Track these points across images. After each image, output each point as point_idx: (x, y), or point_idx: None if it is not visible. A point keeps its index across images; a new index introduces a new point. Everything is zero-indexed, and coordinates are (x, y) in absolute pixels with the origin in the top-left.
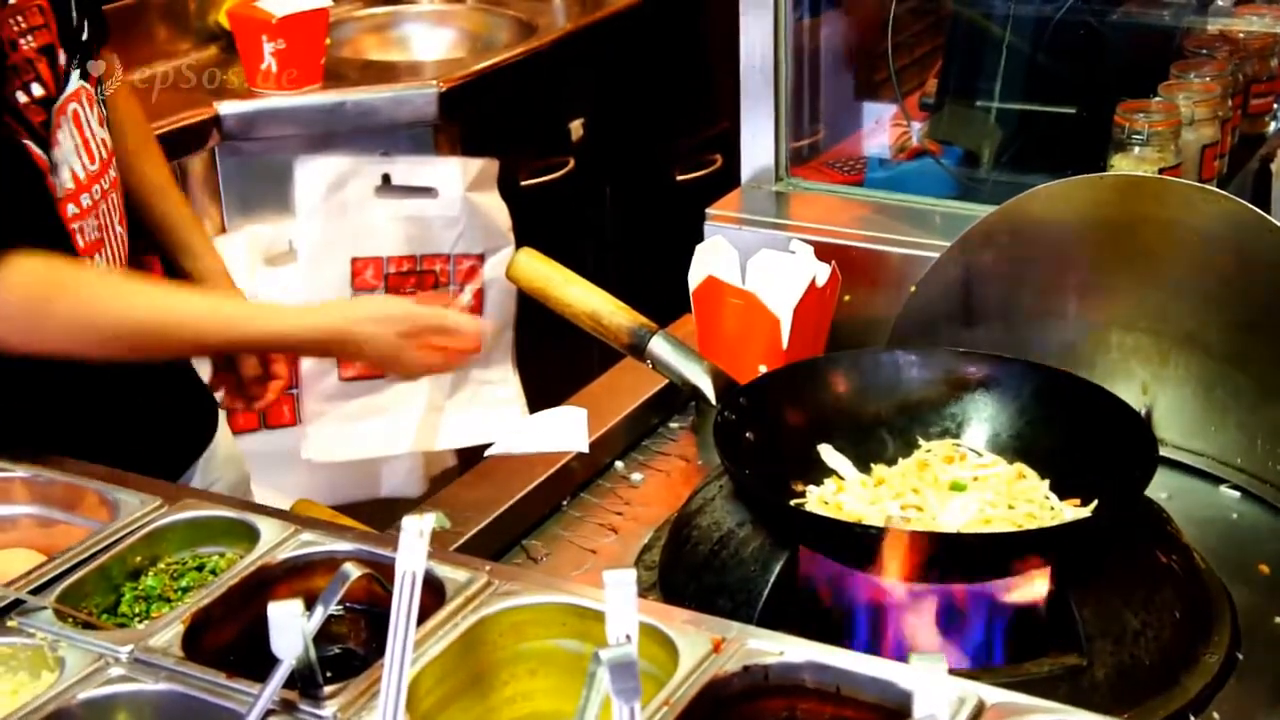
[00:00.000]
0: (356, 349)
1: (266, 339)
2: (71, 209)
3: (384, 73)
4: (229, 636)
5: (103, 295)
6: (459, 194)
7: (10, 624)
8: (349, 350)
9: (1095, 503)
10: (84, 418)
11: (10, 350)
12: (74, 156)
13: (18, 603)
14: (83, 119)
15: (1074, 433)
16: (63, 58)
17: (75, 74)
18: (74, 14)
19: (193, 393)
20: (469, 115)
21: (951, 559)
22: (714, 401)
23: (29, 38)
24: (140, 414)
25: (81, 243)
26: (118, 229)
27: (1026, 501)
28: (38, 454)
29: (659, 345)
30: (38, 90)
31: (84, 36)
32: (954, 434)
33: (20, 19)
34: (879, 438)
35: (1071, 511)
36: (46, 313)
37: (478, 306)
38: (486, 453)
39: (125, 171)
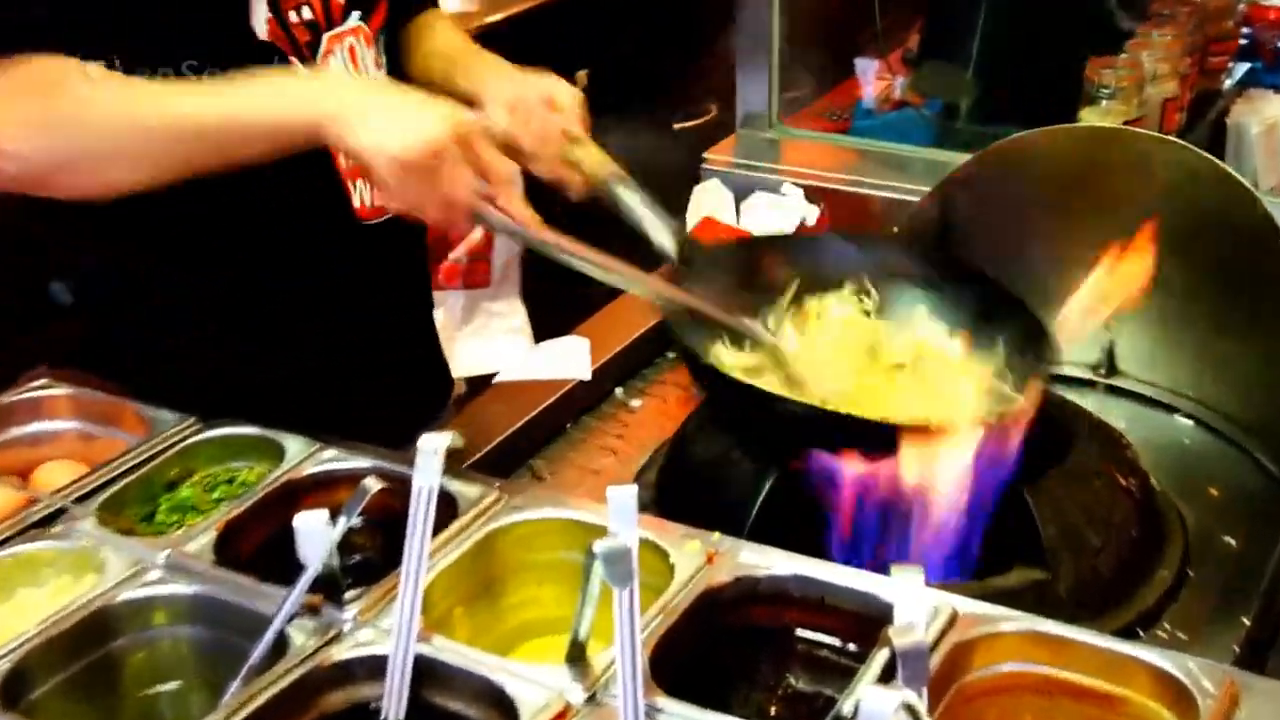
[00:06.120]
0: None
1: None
2: None
3: None
4: (257, 544)
5: (103, 89)
6: None
7: (55, 529)
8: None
9: None
10: (320, 390)
11: (18, 169)
12: None
13: (62, 510)
14: (358, 56)
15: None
16: None
17: (355, 14)
18: None
19: (430, 366)
20: None
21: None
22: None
23: None
24: (376, 387)
25: (344, 165)
26: None
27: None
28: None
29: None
30: (307, 14)
31: None
32: None
33: None
34: None
35: None
36: (45, 116)
37: (488, 243)
38: (496, 378)
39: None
